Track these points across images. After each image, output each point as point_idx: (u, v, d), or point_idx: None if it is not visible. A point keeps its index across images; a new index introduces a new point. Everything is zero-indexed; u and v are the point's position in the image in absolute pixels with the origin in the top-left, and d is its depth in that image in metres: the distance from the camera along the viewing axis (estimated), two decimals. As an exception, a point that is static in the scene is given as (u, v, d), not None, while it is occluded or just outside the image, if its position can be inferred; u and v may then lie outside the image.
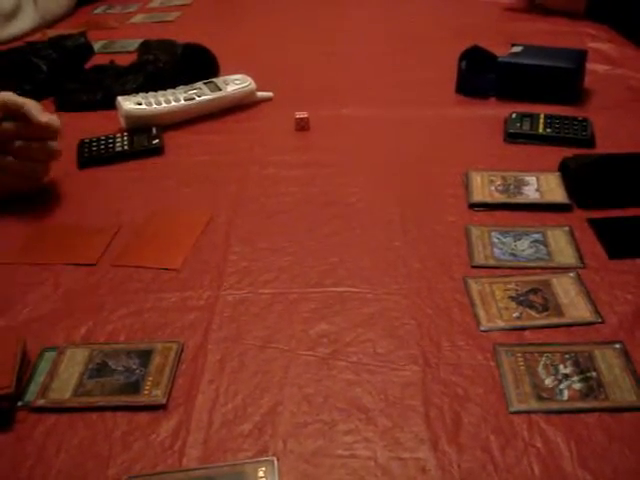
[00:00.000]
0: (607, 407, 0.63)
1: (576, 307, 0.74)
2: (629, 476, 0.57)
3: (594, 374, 0.66)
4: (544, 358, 0.68)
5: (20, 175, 0.97)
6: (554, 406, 0.63)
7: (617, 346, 0.69)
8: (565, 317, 0.73)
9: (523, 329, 0.72)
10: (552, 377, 0.66)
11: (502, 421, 0.62)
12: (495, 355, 0.69)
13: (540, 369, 0.66)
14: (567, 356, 0.68)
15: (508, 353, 0.69)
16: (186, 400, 0.66)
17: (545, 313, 0.74)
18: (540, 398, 0.64)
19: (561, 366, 0.67)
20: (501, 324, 0.73)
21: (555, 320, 0.73)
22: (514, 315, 0.74)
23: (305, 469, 0.59)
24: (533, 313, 0.74)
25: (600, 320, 0.73)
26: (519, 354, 0.68)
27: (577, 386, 0.65)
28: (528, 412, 0.63)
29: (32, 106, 0.95)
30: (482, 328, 0.72)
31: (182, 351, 0.71)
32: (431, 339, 0.71)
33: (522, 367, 0.67)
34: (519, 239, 0.85)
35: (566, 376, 0.66)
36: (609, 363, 0.67)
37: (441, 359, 0.69)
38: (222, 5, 1.93)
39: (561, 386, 0.65)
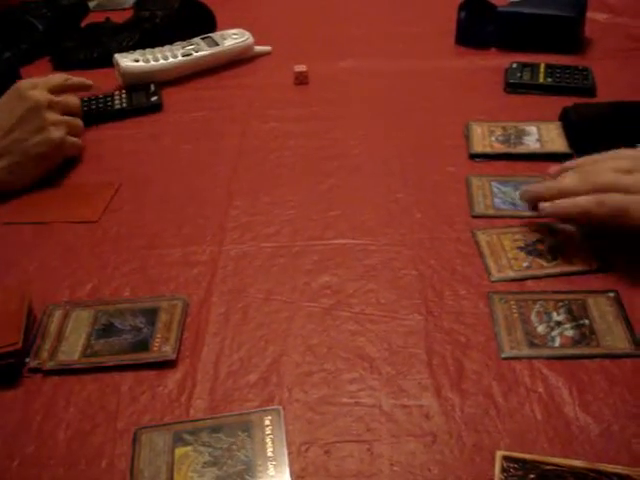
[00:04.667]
0: (598, 354, 0.63)
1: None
2: (629, 420, 0.58)
3: (586, 322, 0.66)
4: (537, 306, 0.68)
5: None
6: (545, 352, 0.64)
7: (610, 294, 0.69)
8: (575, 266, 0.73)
9: (535, 278, 0.72)
10: (545, 324, 0.66)
11: (504, 368, 0.63)
12: (488, 302, 0.69)
13: (533, 316, 0.67)
14: (560, 304, 0.68)
15: (501, 300, 0.69)
16: (192, 353, 0.66)
17: (555, 262, 0.74)
18: (532, 345, 0.64)
19: (554, 314, 0.67)
20: (512, 274, 0.73)
21: (565, 268, 0.73)
22: (524, 265, 0.74)
23: (311, 417, 0.60)
24: (543, 262, 0.74)
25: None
26: (512, 301, 0.69)
27: (569, 333, 0.65)
28: (519, 358, 0.63)
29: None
30: (493, 279, 0.73)
31: (187, 307, 0.71)
32: (433, 289, 0.72)
33: (515, 314, 0.67)
34: (519, 188, 0.84)
35: (558, 323, 0.66)
36: (602, 311, 0.67)
37: (443, 308, 0.70)
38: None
39: (553, 333, 0.65)
